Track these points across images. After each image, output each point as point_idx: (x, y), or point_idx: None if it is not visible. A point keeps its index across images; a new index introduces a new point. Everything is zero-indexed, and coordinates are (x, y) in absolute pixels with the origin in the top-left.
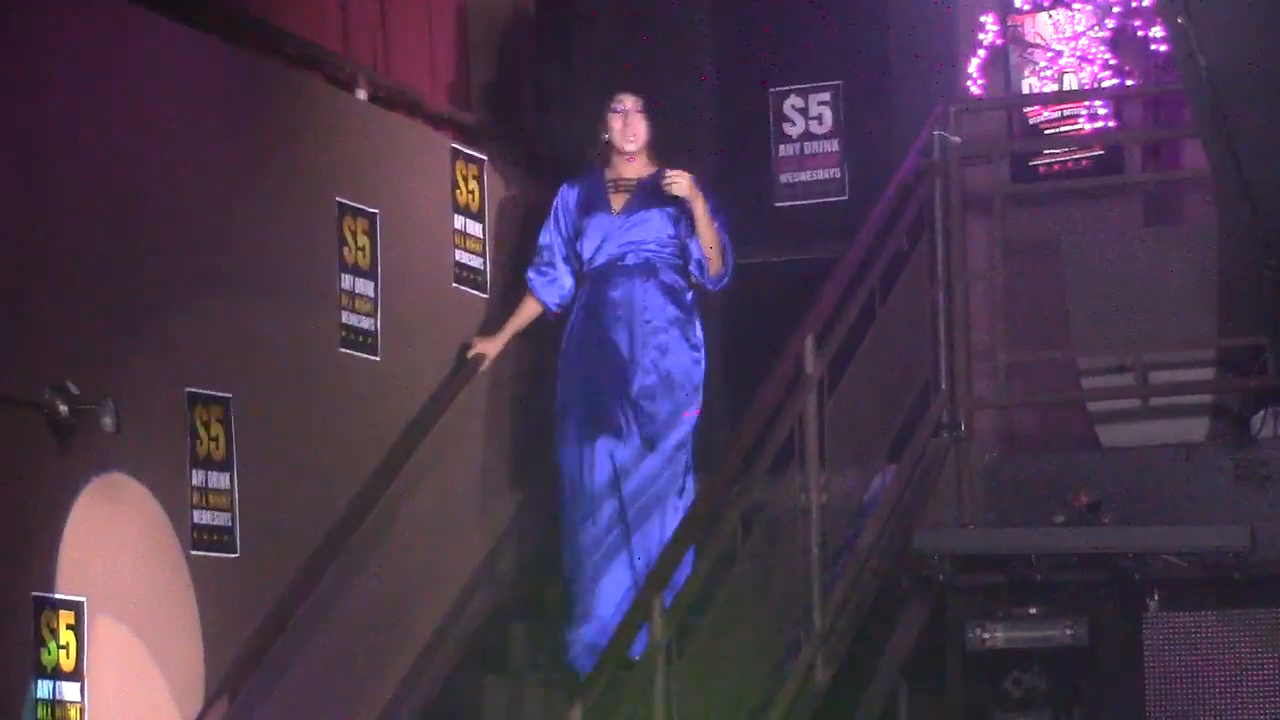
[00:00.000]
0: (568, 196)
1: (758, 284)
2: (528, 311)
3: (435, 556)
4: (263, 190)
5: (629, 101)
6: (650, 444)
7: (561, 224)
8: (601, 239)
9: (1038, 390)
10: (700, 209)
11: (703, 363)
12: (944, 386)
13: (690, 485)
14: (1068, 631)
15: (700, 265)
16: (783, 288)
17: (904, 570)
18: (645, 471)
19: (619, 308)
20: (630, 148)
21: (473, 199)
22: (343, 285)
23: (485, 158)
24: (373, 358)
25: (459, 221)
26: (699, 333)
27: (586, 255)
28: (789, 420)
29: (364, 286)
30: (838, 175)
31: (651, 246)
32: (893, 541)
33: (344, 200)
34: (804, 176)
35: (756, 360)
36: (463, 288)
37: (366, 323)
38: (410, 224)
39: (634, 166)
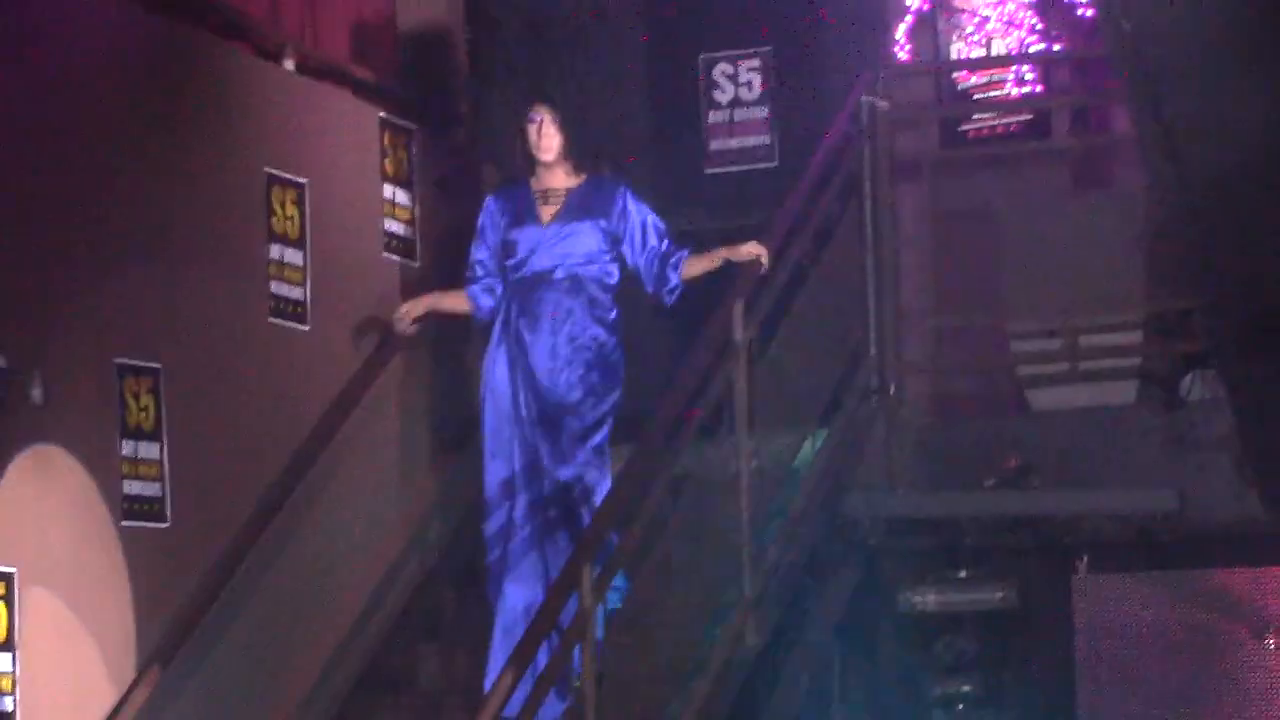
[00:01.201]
0: (493, 209)
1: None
2: (457, 300)
3: (366, 525)
4: (191, 161)
5: (543, 111)
6: (564, 456)
7: (489, 237)
8: (530, 251)
9: (968, 355)
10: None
11: (620, 387)
12: (874, 351)
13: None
14: (998, 595)
15: (657, 281)
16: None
17: (834, 535)
18: (561, 482)
19: (543, 321)
20: (546, 158)
21: (402, 168)
22: (272, 255)
23: (414, 127)
24: (302, 327)
25: (388, 191)
26: (619, 353)
27: (514, 266)
28: (718, 387)
29: (293, 256)
30: (767, 142)
31: (580, 261)
32: (823, 507)
33: (273, 170)
34: (734, 143)
35: (687, 328)
36: (392, 256)
37: (296, 292)
38: (339, 193)
39: (559, 176)
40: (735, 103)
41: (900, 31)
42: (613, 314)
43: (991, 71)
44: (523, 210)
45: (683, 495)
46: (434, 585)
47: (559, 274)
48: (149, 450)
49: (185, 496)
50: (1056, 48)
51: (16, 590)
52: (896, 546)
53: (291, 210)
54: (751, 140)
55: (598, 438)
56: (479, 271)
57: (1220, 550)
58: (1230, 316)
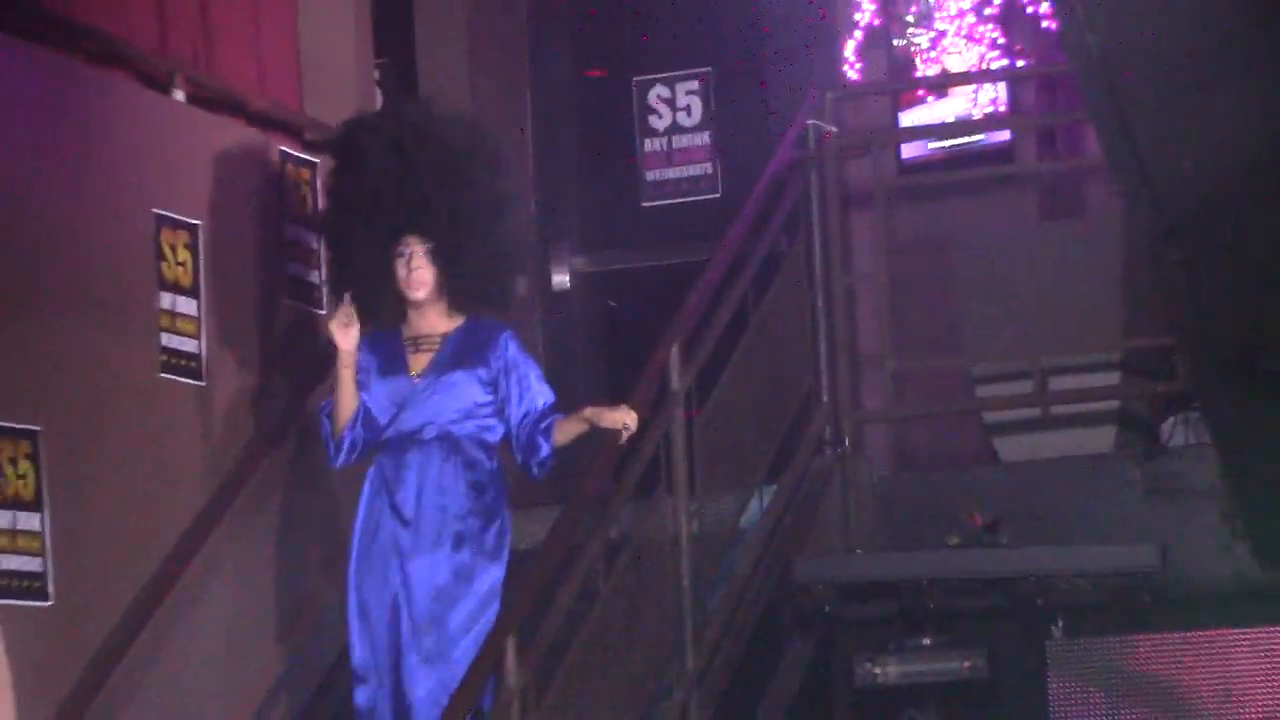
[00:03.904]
0: (360, 362)
1: (623, 292)
2: (350, 398)
3: (273, 597)
4: (69, 203)
5: (413, 243)
6: (431, 655)
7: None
8: (397, 408)
9: (928, 401)
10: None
11: (504, 563)
12: (826, 399)
13: None
14: (965, 664)
15: (526, 450)
16: (651, 295)
17: (785, 602)
18: (429, 687)
19: (410, 489)
20: (416, 295)
21: (305, 206)
22: (162, 304)
23: (318, 160)
24: (198, 383)
25: (291, 231)
26: (505, 523)
27: (381, 425)
28: (654, 440)
29: (186, 305)
30: (709, 171)
31: (453, 417)
32: (772, 571)
33: (161, 211)
34: (672, 173)
35: (623, 375)
36: (297, 303)
37: (190, 345)
38: (237, 236)
39: (432, 319)
40: (673, 129)
41: (849, 49)
42: (495, 474)
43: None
44: (391, 359)
45: (617, 561)
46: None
47: (429, 432)
48: (28, 521)
49: (69, 571)
50: (1020, 64)
51: None
52: (854, 614)
53: (184, 255)
54: (692, 169)
55: (469, 642)
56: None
57: (1207, 610)
58: (1216, 353)
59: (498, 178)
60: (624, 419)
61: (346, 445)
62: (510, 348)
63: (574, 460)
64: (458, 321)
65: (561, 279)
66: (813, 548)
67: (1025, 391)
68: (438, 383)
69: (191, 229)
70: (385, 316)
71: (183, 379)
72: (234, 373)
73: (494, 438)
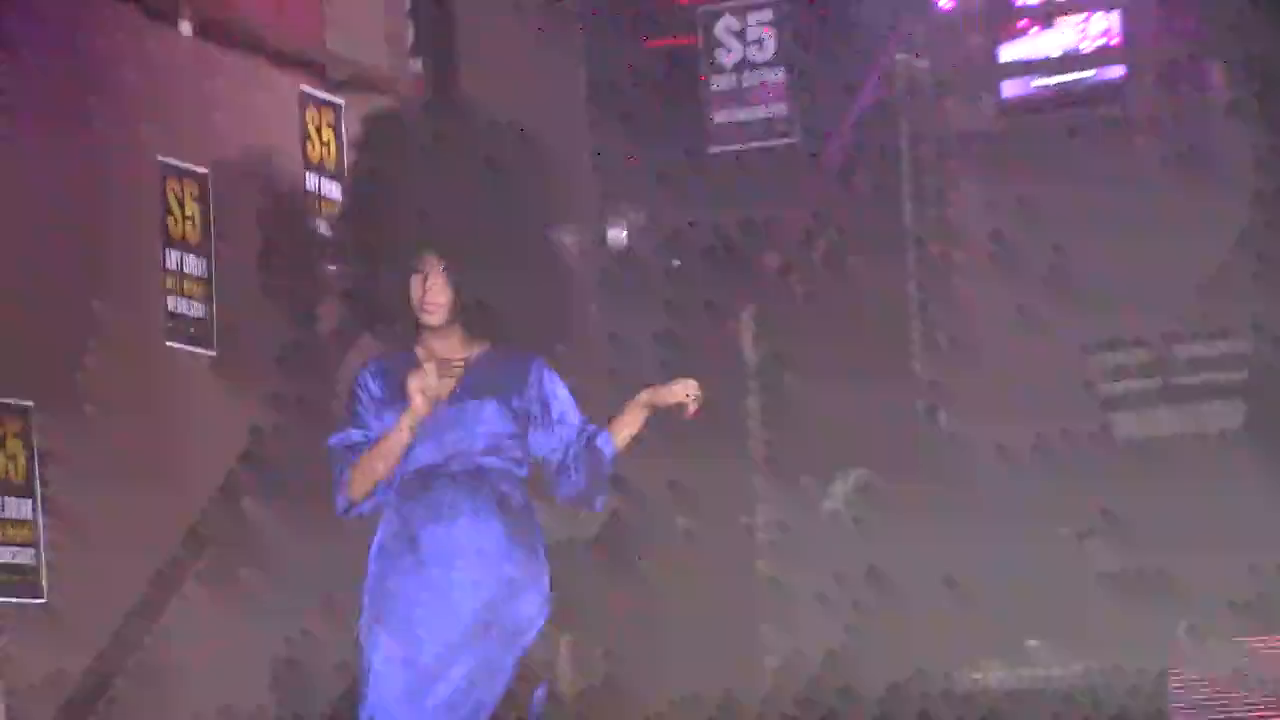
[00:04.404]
0: (370, 386)
1: (687, 250)
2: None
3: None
4: (66, 150)
5: (431, 261)
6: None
7: (364, 422)
8: (415, 441)
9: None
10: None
11: (546, 596)
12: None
13: None
14: None
15: (586, 468)
16: (718, 254)
17: None
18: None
19: (438, 537)
20: (432, 320)
21: (328, 153)
22: (168, 264)
23: (342, 101)
24: (207, 352)
25: (312, 181)
26: (544, 562)
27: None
28: (725, 419)
29: (194, 264)
30: (785, 112)
31: (482, 450)
32: None
33: (168, 160)
34: (743, 115)
35: (689, 346)
36: (321, 262)
37: (198, 309)
38: (252, 186)
39: (452, 344)
40: (743, 65)
41: None
42: (531, 512)
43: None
44: (404, 388)
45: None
46: None
47: (454, 467)
48: (20, 509)
49: (65, 565)
50: None
51: None
52: None
53: (192, 208)
54: (765, 111)
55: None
56: (342, 465)
57: None
58: None
59: (547, 194)
60: (684, 390)
61: (369, 506)
62: (544, 379)
63: None
64: (481, 347)
65: (618, 235)
66: None
67: (1143, 360)
68: (462, 413)
69: (201, 179)
70: (398, 338)
71: (190, 348)
72: (249, 341)
73: (522, 471)
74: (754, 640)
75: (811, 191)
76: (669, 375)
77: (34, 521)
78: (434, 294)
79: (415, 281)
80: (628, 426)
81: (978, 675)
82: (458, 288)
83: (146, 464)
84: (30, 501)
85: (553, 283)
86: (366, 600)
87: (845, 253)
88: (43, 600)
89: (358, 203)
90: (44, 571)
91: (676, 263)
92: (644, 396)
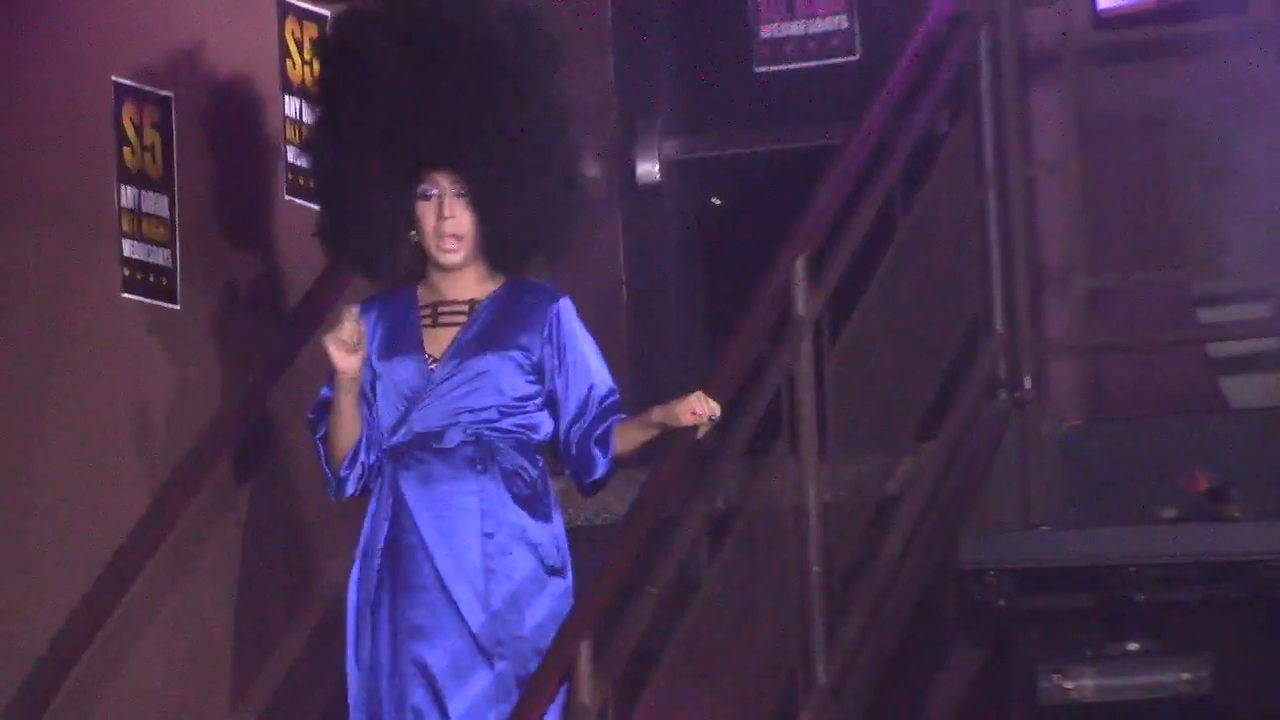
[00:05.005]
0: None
1: (730, 187)
2: (353, 424)
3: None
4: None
5: (443, 183)
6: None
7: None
8: (408, 402)
9: (1136, 328)
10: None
11: (569, 588)
12: (999, 327)
13: None
14: (1185, 676)
15: (580, 464)
16: (767, 189)
17: (947, 594)
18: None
19: (435, 513)
20: (453, 259)
21: (310, 72)
22: (123, 202)
23: (328, 13)
24: (170, 305)
25: (291, 106)
26: (562, 542)
27: (386, 424)
28: (773, 383)
29: (155, 203)
30: (844, 25)
31: (489, 415)
32: (930, 554)
33: (122, 80)
34: (795, 29)
35: (729, 298)
36: (299, 200)
37: (160, 255)
38: (222, 112)
39: (465, 283)
40: None
41: None
42: (542, 485)
43: None
44: (401, 336)
45: (725, 539)
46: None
47: (454, 437)
48: None
49: (4, 559)
50: None
51: None
52: (1037, 609)
53: (152, 137)
54: (821, 24)
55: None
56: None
57: None
58: None
59: (555, 85)
60: (701, 408)
61: (352, 481)
62: (563, 323)
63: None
64: (494, 285)
65: (649, 169)
66: (982, 522)
67: (1263, 317)
68: (462, 370)
69: (163, 102)
70: (396, 277)
71: (151, 300)
72: (217, 293)
73: (540, 436)
74: None
75: (875, 119)
76: (703, 332)
77: None
78: (455, 225)
79: (425, 211)
80: (633, 437)
81: None
82: (478, 214)
83: (99, 435)
84: None
85: (577, 205)
86: (352, 595)
87: (914, 187)
88: None
89: (334, 123)
90: None
91: (717, 201)
92: (655, 414)
